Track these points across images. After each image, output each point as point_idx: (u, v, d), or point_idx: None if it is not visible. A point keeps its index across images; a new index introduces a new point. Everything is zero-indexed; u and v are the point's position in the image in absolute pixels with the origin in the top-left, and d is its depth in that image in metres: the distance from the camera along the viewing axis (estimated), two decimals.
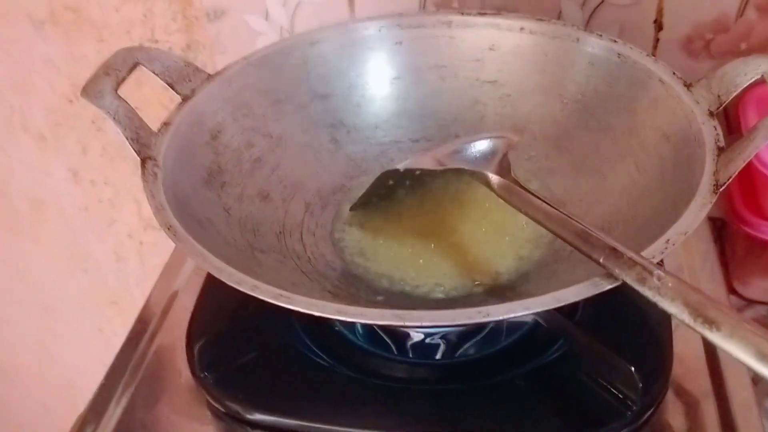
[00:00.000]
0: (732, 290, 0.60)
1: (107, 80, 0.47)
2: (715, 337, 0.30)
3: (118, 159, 0.85)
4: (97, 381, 0.48)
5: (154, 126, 0.47)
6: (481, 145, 0.45)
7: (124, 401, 0.46)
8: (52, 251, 0.97)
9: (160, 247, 0.92)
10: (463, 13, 0.55)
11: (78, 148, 0.85)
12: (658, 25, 0.61)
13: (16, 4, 0.75)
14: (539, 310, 0.34)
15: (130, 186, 0.87)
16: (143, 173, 0.43)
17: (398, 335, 0.47)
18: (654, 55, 0.50)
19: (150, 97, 0.75)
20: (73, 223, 0.93)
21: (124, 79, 0.47)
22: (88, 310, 1.03)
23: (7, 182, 0.91)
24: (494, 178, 0.43)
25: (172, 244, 0.40)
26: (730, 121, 0.61)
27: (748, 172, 0.55)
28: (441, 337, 0.47)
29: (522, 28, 0.54)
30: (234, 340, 0.47)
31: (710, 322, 0.30)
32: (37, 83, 0.80)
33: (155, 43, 0.74)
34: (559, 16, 0.63)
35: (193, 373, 0.46)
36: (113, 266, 0.97)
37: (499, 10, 0.55)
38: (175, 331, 0.50)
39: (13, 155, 0.88)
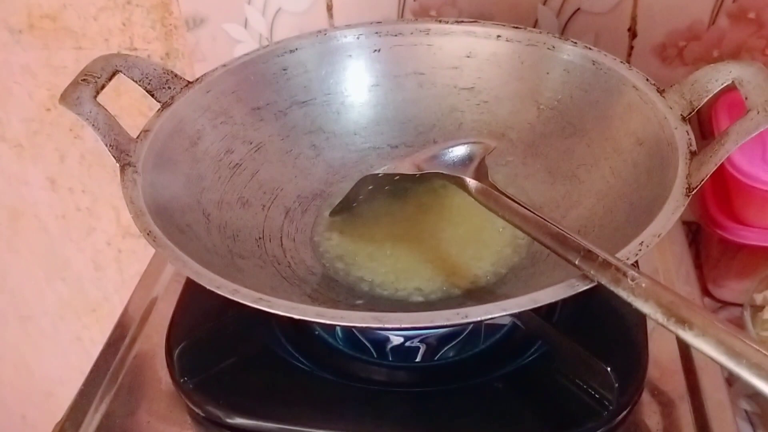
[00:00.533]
0: (706, 292, 0.61)
1: (86, 87, 0.47)
2: (687, 336, 0.31)
3: (96, 167, 0.85)
4: (75, 390, 0.48)
5: (134, 133, 0.47)
6: (459, 151, 0.46)
7: (103, 408, 0.46)
8: (29, 260, 0.96)
9: (139, 254, 0.92)
10: (440, 21, 0.56)
11: (56, 156, 0.85)
12: (633, 33, 0.62)
13: None
14: (516, 311, 0.34)
15: (108, 194, 0.87)
16: (123, 180, 0.43)
17: (378, 339, 0.47)
18: (628, 62, 0.51)
19: (129, 105, 0.75)
20: (51, 232, 0.92)
21: (103, 87, 0.47)
22: (66, 319, 1.03)
23: None
24: (472, 182, 0.44)
25: (151, 252, 0.40)
26: (704, 126, 0.62)
27: (722, 176, 0.56)
28: (420, 341, 0.47)
29: (499, 36, 0.54)
30: (213, 346, 0.47)
31: (683, 322, 0.31)
32: (15, 91, 0.80)
33: (134, 51, 0.74)
34: (535, 24, 0.63)
35: (173, 378, 0.46)
36: (92, 274, 0.96)
37: (476, 19, 0.56)
38: (154, 337, 0.50)
39: None
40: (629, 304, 0.33)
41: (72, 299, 1.00)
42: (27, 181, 0.88)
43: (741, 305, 0.54)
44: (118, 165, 0.44)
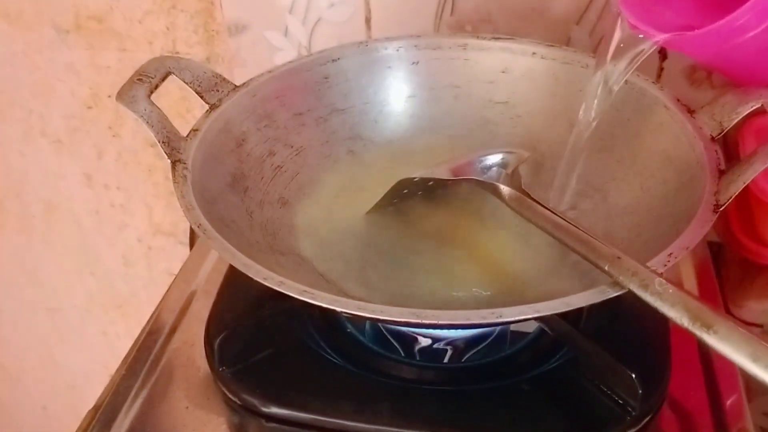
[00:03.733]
0: (726, 312, 0.62)
1: (140, 86, 0.49)
2: (711, 340, 0.32)
3: (132, 165, 0.87)
4: (98, 384, 0.49)
5: None
6: (493, 159, 0.48)
7: (144, 392, 0.48)
8: (61, 253, 0.99)
9: (168, 252, 0.94)
10: (478, 37, 0.58)
11: (93, 153, 0.87)
12: (663, 54, 0.63)
13: (41, 13, 0.77)
14: (548, 313, 0.36)
15: (142, 192, 0.89)
16: (174, 175, 0.45)
17: (407, 339, 0.49)
18: (658, 83, 0.52)
19: (167, 107, 0.78)
20: (84, 227, 0.95)
21: (157, 86, 0.49)
22: (93, 313, 1.05)
23: (21, 184, 0.93)
24: (505, 189, 0.46)
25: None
26: (730, 150, 0.63)
27: (746, 197, 0.57)
28: (447, 343, 0.49)
29: (534, 53, 0.56)
30: (251, 338, 0.49)
31: (707, 326, 0.32)
32: (57, 89, 0.83)
33: (176, 55, 0.77)
34: (567, 43, 0.65)
35: (212, 367, 0.48)
36: (121, 270, 0.98)
37: (511, 35, 0.58)
38: (192, 329, 0.52)
39: (30, 158, 0.90)
40: (655, 311, 0.35)
41: (100, 294, 1.02)
42: (64, 176, 0.90)
43: (761, 326, 0.55)
44: (169, 161, 0.46)
